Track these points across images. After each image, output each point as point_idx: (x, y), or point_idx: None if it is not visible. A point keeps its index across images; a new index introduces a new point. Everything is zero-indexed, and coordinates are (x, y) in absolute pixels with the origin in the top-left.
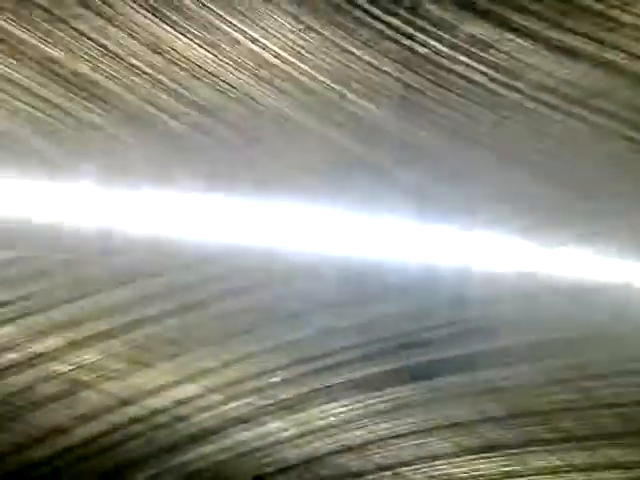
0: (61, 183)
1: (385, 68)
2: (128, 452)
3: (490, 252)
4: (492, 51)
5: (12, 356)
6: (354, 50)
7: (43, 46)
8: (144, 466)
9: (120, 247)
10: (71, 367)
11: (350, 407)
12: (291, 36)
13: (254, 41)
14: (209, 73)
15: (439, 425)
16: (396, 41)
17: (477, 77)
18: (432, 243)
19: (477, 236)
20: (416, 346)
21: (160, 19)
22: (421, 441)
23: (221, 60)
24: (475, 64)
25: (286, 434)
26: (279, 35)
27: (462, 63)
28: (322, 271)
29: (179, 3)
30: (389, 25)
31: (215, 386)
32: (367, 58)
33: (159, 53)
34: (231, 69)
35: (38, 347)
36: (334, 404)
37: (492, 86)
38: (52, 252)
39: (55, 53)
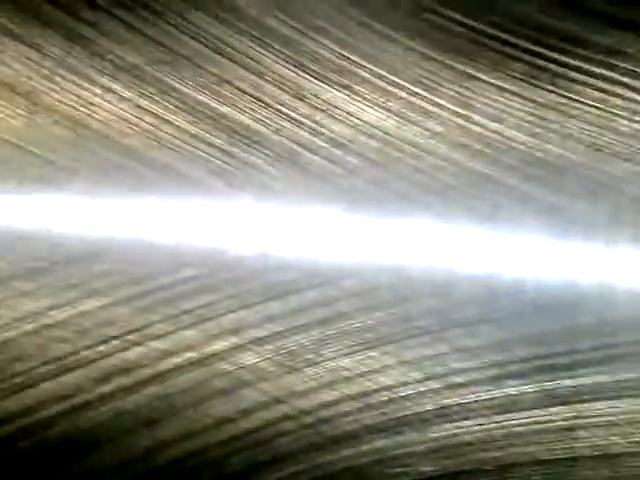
0: (252, 215)
1: (512, 88)
2: (280, 446)
3: (636, 269)
4: (628, 59)
5: (191, 355)
6: (478, 74)
7: (214, 104)
8: (292, 461)
9: (274, 266)
10: (235, 367)
11: (486, 427)
12: (415, 68)
13: (381, 78)
14: (343, 111)
15: (585, 455)
16: (522, 60)
17: (614, 87)
18: (571, 260)
19: (621, 252)
20: (557, 369)
21: (302, 70)
22: (565, 469)
23: (353, 98)
24: (611, 74)
25: (421, 447)
26: (404, 69)
27: (597, 75)
28: (453, 289)
29: (319, 55)
30: (514, 46)
31: (353, 394)
32: (492, 81)
33: (301, 99)
34: (362, 106)
35: (210, 349)
36: (469, 422)
37: (630, 94)
38: (219, 271)
39: (222, 108)
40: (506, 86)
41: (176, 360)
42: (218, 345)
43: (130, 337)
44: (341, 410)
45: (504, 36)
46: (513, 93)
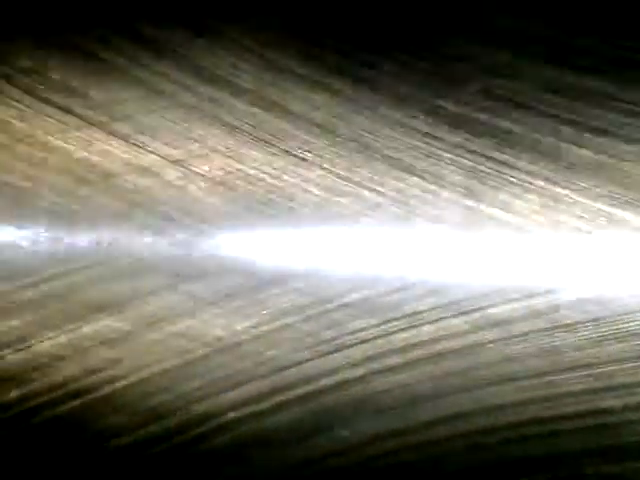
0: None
1: None
2: (476, 458)
3: None
4: None
5: (397, 359)
6: None
7: (427, 165)
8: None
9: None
10: (432, 378)
11: None
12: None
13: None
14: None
15: None
16: None
17: None
18: None
19: None
20: None
21: (501, 117)
22: None
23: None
24: None
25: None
26: None
27: None
28: None
29: (518, 102)
30: None
31: (546, 417)
32: None
33: (506, 141)
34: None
35: (398, 360)
36: None
37: None
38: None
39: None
40: None
41: (376, 365)
42: (409, 356)
43: (339, 341)
44: (534, 431)
45: None
46: None
